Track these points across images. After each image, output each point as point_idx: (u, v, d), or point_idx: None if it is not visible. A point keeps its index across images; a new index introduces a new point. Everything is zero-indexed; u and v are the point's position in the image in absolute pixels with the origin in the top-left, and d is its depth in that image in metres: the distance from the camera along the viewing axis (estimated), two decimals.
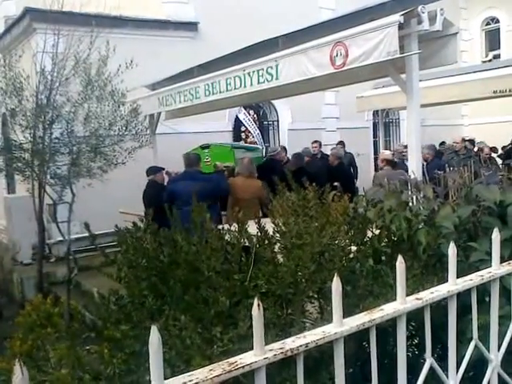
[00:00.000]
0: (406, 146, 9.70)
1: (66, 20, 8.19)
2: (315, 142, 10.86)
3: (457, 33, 5.26)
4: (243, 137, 12.57)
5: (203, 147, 9.81)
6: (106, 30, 8.54)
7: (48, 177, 7.91)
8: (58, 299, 2.74)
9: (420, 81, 5.06)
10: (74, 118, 7.97)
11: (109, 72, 8.02)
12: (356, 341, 1.88)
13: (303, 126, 12.95)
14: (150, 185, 7.80)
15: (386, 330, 1.84)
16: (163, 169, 8.04)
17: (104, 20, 9.59)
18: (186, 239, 2.25)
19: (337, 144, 10.29)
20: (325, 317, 2.01)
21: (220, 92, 6.41)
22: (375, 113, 14.66)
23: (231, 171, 7.98)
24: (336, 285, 1.35)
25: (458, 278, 1.74)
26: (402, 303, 1.52)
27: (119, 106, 8.26)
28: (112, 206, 8.64)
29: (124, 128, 8.34)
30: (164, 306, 2.16)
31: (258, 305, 1.22)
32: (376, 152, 14.88)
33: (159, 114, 8.90)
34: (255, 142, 12.15)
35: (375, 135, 15.09)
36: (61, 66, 7.80)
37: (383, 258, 2.43)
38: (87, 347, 2.14)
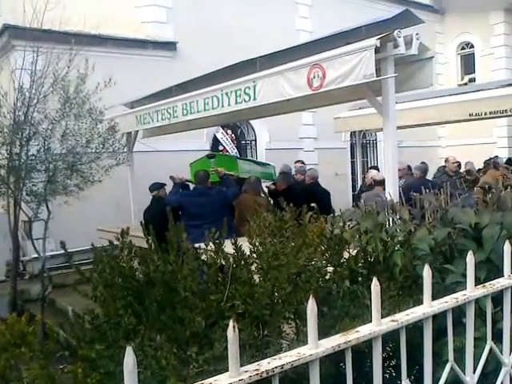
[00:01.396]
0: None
1: (45, 37, 8.16)
2: (298, 161, 10.85)
3: (432, 57, 5.35)
4: None
5: (209, 157, 9.91)
6: (85, 48, 8.52)
7: (24, 194, 7.81)
8: (32, 317, 2.68)
9: (397, 103, 5.13)
10: (51, 135, 7.91)
11: (87, 90, 8.00)
12: (333, 362, 1.88)
13: (281, 145, 13.01)
14: (154, 201, 7.95)
15: (363, 352, 1.84)
16: (165, 184, 8.20)
17: (83, 38, 9.57)
18: (163, 258, 2.24)
19: (295, 162, 10.19)
20: (301, 338, 2.01)
21: (198, 111, 6.42)
22: (353, 134, 14.80)
23: (235, 180, 8.34)
24: (311, 306, 1.35)
25: (433, 300, 1.75)
26: (377, 325, 1.52)
27: (97, 124, 8.22)
28: (88, 223, 8.57)
29: (101, 146, 8.30)
30: (140, 325, 2.14)
31: (234, 326, 1.21)
32: (354, 172, 15.02)
33: (137, 132, 8.88)
34: None
35: (353, 156, 15.23)
36: (39, 83, 7.75)
37: (360, 279, 2.44)
38: (61, 367, 2.10)
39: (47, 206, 7.73)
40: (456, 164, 10.62)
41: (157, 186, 8.08)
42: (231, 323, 1.22)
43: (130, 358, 1.12)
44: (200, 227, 5.00)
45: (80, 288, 2.43)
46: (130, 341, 2.00)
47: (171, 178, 8.15)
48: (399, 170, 9.09)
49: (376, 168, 11.22)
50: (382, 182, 7.66)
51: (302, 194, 7.61)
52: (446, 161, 10.92)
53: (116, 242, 2.44)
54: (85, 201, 8.19)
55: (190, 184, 8.30)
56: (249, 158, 11.42)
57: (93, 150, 8.20)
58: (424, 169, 9.20)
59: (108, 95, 7.95)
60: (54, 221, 7.79)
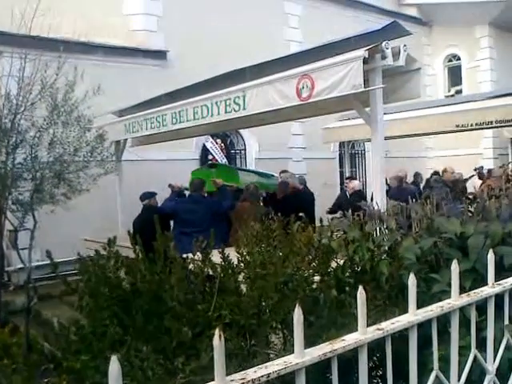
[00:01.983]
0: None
1: (33, 44, 8.14)
2: (283, 171, 10.84)
3: (420, 68, 5.42)
4: None
5: (210, 166, 10.11)
6: (74, 56, 8.51)
7: (9, 202, 7.74)
8: (16, 329, 2.65)
9: (385, 114, 5.18)
10: (39, 143, 7.85)
11: (76, 98, 7.96)
12: (320, 371, 1.88)
13: (270, 155, 13.03)
14: (145, 209, 8.00)
15: (350, 360, 1.85)
16: (156, 193, 8.28)
17: (73, 45, 9.56)
18: (150, 268, 2.23)
19: (280, 172, 10.23)
20: (288, 347, 2.01)
21: (187, 120, 6.44)
22: (341, 144, 14.90)
23: (234, 191, 8.54)
24: (297, 315, 1.35)
25: (419, 308, 1.76)
26: (363, 333, 1.53)
27: (85, 132, 8.17)
28: (76, 233, 8.52)
29: (89, 154, 8.24)
30: (126, 335, 2.13)
31: (220, 335, 1.21)
32: (342, 182, 15.07)
33: (125, 140, 8.87)
34: None
35: (341, 166, 15.30)
36: (27, 90, 7.70)
37: (347, 288, 2.45)
38: (45, 379, 2.08)
39: (33, 215, 7.66)
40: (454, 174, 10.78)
41: (148, 195, 8.14)
42: (217, 332, 1.22)
43: (114, 366, 1.12)
44: (191, 235, 5.04)
45: (66, 299, 2.41)
46: (116, 351, 1.98)
47: (170, 186, 8.25)
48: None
49: (354, 178, 11.40)
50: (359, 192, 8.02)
51: (291, 202, 7.66)
52: (445, 171, 11.01)
53: (102, 252, 2.43)
54: (72, 210, 8.13)
55: (187, 192, 8.35)
56: (250, 168, 11.47)
57: (81, 159, 8.14)
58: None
59: (97, 103, 7.92)
60: (40, 230, 7.71)
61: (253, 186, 8.01)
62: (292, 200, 8.00)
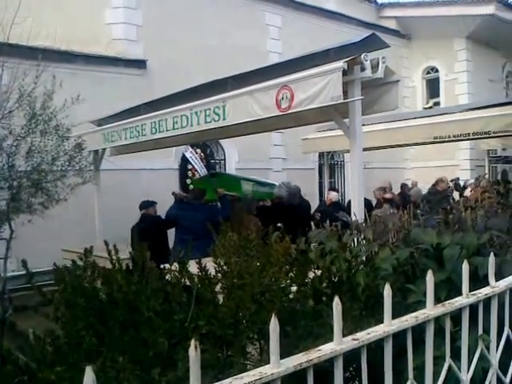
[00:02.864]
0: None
1: (11, 52, 8.07)
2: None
3: (398, 80, 5.48)
4: (189, 175, 12.53)
5: (211, 175, 10.19)
6: (53, 64, 8.45)
7: None
8: None
9: (364, 125, 5.22)
10: (16, 151, 7.77)
11: (54, 106, 7.91)
12: (297, 381, 1.88)
13: (250, 165, 13.06)
14: (143, 218, 8.06)
15: (326, 371, 1.85)
16: (155, 203, 8.35)
17: (52, 54, 9.50)
18: (126, 278, 2.22)
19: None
20: (264, 358, 2.01)
21: (166, 130, 6.42)
22: (321, 154, 14.96)
23: (235, 200, 8.59)
24: (273, 325, 1.36)
25: (395, 318, 1.77)
26: (338, 344, 1.54)
27: (63, 141, 8.11)
28: (53, 243, 8.43)
29: (67, 163, 8.18)
30: (102, 346, 2.11)
31: (195, 346, 1.21)
32: (321, 193, 15.15)
33: (104, 150, 8.82)
34: None
35: (321, 176, 15.37)
36: (4, 98, 7.64)
37: (324, 298, 2.46)
38: None
39: (10, 225, 7.56)
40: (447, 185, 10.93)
41: (146, 204, 8.20)
42: (193, 343, 1.22)
43: (89, 377, 1.11)
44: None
45: (43, 310, 2.38)
46: (92, 362, 1.96)
47: (173, 194, 8.34)
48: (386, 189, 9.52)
49: (335, 189, 11.52)
50: (389, 200, 8.13)
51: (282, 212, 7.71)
52: (441, 181, 11.11)
53: (79, 262, 2.41)
54: (49, 220, 8.04)
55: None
56: (251, 177, 11.51)
57: (59, 168, 8.07)
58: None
59: (76, 112, 7.87)
60: (16, 240, 7.61)
61: (249, 197, 8.18)
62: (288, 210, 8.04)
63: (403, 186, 11.97)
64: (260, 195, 9.20)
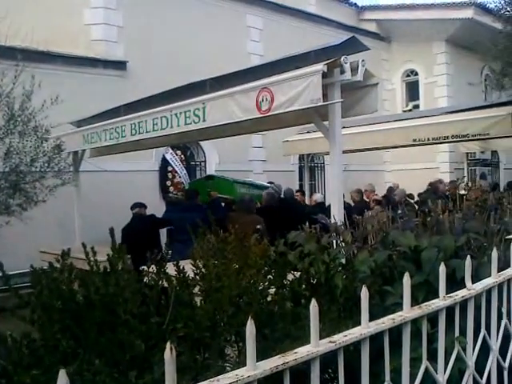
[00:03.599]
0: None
1: None
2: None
3: (377, 83, 5.51)
4: (170, 177, 12.49)
5: (208, 178, 10.49)
6: (32, 65, 8.37)
7: None
8: None
9: (344, 127, 5.24)
10: None
11: (33, 107, 7.83)
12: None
13: (231, 167, 13.03)
14: (135, 218, 8.10)
15: (305, 373, 1.85)
16: (146, 206, 8.50)
17: (31, 54, 9.41)
18: (104, 280, 2.20)
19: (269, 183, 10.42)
20: (242, 360, 2.00)
21: (146, 132, 6.39)
22: (301, 157, 15.02)
23: (230, 203, 8.76)
24: (250, 328, 1.35)
25: (372, 321, 1.78)
26: (315, 346, 1.54)
27: (42, 142, 8.05)
28: (32, 244, 8.31)
29: (46, 165, 8.11)
30: (79, 349, 2.09)
31: (171, 349, 1.21)
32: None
33: (83, 151, 8.75)
34: (182, 183, 12.11)
35: (301, 179, 15.41)
36: None
37: (302, 300, 2.46)
38: None
39: None
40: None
41: (138, 204, 8.30)
42: (168, 345, 1.21)
43: (62, 381, 1.09)
44: (184, 242, 5.10)
45: (20, 312, 2.35)
46: (68, 365, 1.94)
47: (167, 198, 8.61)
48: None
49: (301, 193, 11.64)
50: (380, 202, 8.23)
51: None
52: (441, 182, 11.19)
53: (56, 264, 2.38)
54: (28, 221, 7.96)
55: None
56: (247, 180, 11.53)
57: (37, 169, 8.00)
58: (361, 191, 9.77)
59: (55, 113, 7.80)
60: None
61: (247, 197, 8.14)
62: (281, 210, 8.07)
63: (390, 189, 12.04)
64: (255, 198, 9.21)
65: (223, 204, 9.03)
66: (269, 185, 10.38)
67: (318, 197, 9.84)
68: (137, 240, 6.28)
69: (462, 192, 5.98)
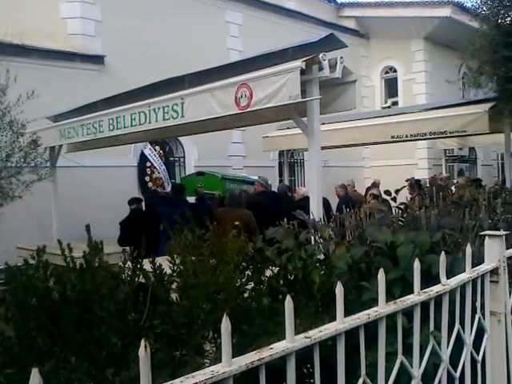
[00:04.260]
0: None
1: None
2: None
3: (355, 80, 5.55)
4: (148, 172, 12.43)
5: (198, 174, 10.62)
6: (7, 58, 8.26)
7: None
8: None
9: (324, 124, 5.27)
10: None
11: (8, 102, 7.73)
12: (253, 380, 1.89)
13: (210, 163, 13.00)
14: (134, 212, 8.16)
15: (281, 369, 1.86)
16: (142, 200, 8.78)
17: (5, 48, 9.28)
18: (80, 277, 2.18)
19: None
20: (219, 356, 2.00)
21: (124, 127, 6.35)
22: (281, 153, 15.04)
23: (217, 199, 8.96)
24: (225, 324, 1.36)
25: (348, 316, 1.79)
26: (290, 342, 1.54)
27: (18, 137, 7.95)
28: (8, 241, 8.22)
29: (22, 160, 8.01)
30: (54, 347, 2.07)
31: (145, 345, 1.20)
32: None
33: (60, 146, 8.66)
34: (160, 178, 12.06)
35: (281, 174, 15.44)
36: None
37: (280, 296, 2.46)
38: None
39: None
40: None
41: (134, 200, 8.40)
42: (142, 342, 1.21)
43: (35, 381, 1.08)
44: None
45: None
46: (44, 363, 1.93)
47: (154, 191, 8.73)
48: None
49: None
50: (377, 196, 8.32)
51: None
52: (440, 179, 11.28)
53: (31, 261, 2.36)
54: (4, 217, 7.87)
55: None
56: (237, 176, 11.52)
57: (13, 165, 7.91)
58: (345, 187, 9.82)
59: (31, 108, 7.71)
60: None
61: (236, 192, 8.17)
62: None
63: (373, 184, 12.11)
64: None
65: (211, 199, 9.13)
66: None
67: (304, 190, 9.82)
68: (142, 232, 6.25)
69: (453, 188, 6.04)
